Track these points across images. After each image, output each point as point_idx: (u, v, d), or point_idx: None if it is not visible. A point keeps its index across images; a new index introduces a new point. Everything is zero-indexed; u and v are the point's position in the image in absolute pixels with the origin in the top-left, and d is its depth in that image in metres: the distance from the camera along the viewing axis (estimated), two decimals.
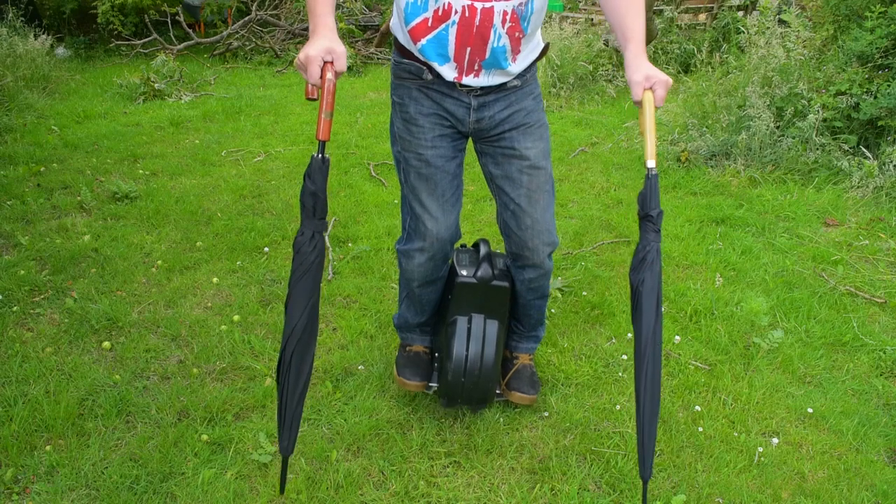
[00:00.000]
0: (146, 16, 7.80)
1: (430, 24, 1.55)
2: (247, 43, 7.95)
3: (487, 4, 1.49)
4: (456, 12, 1.51)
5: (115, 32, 7.90)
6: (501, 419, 2.04)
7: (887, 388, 2.22)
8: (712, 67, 5.10)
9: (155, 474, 1.81)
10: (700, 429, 2.01)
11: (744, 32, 4.67)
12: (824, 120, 3.92)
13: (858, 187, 3.65)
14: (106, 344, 2.37)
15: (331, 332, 2.48)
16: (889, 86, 3.77)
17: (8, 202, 3.57)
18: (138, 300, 2.67)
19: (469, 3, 1.49)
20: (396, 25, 1.67)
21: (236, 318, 2.54)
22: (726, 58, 4.98)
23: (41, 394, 2.10)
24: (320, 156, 1.42)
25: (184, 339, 2.42)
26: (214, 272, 2.89)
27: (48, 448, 1.89)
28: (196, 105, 5.79)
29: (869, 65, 4.03)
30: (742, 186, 3.85)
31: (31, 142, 4.65)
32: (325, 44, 1.40)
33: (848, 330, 2.50)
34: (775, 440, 1.98)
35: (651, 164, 1.42)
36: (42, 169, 4.08)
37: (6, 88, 5.61)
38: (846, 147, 3.89)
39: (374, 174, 4.08)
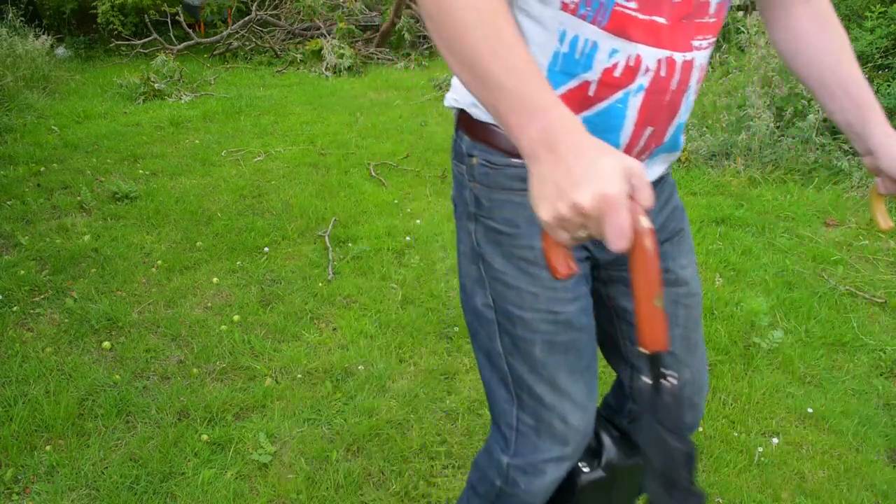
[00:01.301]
0: (146, 16, 7.80)
1: (592, 93, 0.90)
2: (247, 43, 7.94)
3: (688, 56, 0.90)
4: (647, 70, 0.88)
5: (115, 32, 7.90)
6: None
7: (887, 388, 2.22)
8: (712, 67, 5.10)
9: (155, 474, 1.81)
10: (700, 428, 2.01)
11: (744, 32, 4.67)
12: (824, 120, 3.92)
13: (858, 187, 3.65)
14: (106, 344, 2.37)
15: (331, 332, 2.48)
16: (889, 86, 3.77)
17: (8, 202, 3.57)
18: (138, 300, 2.67)
19: (667, 55, 0.88)
20: None
21: (236, 318, 2.54)
22: (726, 58, 4.98)
23: (41, 394, 2.10)
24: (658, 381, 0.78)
25: (184, 339, 2.42)
26: (214, 272, 2.89)
27: (48, 448, 1.89)
28: (196, 105, 5.79)
29: (869, 65, 4.03)
30: (742, 186, 3.85)
31: (31, 142, 4.65)
32: (617, 164, 0.65)
33: (848, 330, 2.50)
34: (775, 440, 1.98)
35: None
36: (42, 169, 4.08)
37: (6, 88, 5.61)
38: (846, 147, 3.89)
39: (374, 174, 4.08)
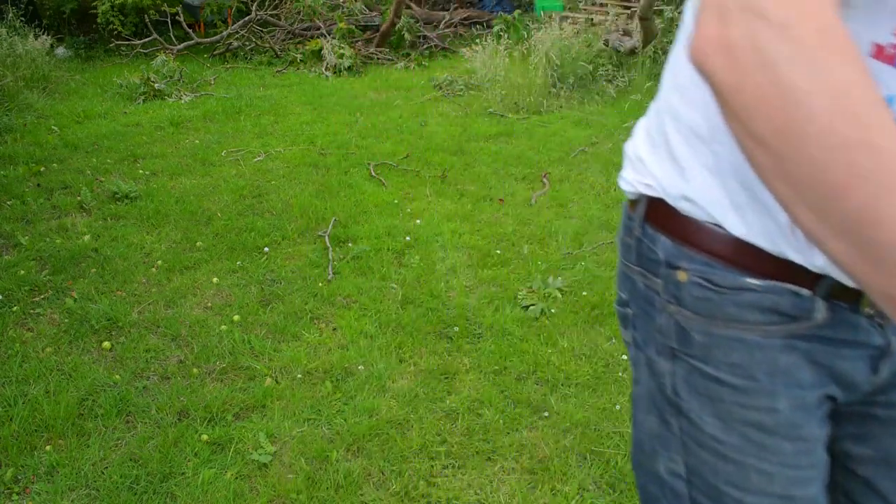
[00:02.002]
0: (146, 16, 7.80)
1: None
2: (247, 43, 7.94)
3: None
4: None
5: (115, 32, 7.90)
6: (501, 420, 2.04)
7: None
8: None
9: (155, 474, 1.81)
10: None
11: None
12: None
13: None
14: (106, 344, 2.37)
15: (331, 332, 2.48)
16: None
17: (8, 202, 3.56)
18: (138, 300, 2.67)
19: None
20: (713, 197, 0.69)
21: (236, 318, 2.54)
22: None
23: (41, 394, 2.10)
24: None
25: (184, 339, 2.42)
26: (214, 272, 2.89)
27: (48, 448, 1.89)
28: (196, 105, 5.78)
29: None
30: None
31: (31, 142, 4.65)
32: None
33: None
34: None
35: None
36: (42, 169, 4.08)
37: (6, 88, 5.61)
38: None
39: (374, 174, 4.08)
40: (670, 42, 6.22)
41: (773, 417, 0.71)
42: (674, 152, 0.72)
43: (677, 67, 0.72)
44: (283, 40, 8.04)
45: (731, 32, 0.48)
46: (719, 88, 0.50)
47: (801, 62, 0.46)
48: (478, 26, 8.85)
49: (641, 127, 0.81)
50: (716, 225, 0.69)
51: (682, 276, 0.72)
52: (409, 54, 7.76)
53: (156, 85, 6.06)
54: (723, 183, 0.68)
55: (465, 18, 8.99)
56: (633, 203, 0.79)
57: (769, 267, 0.67)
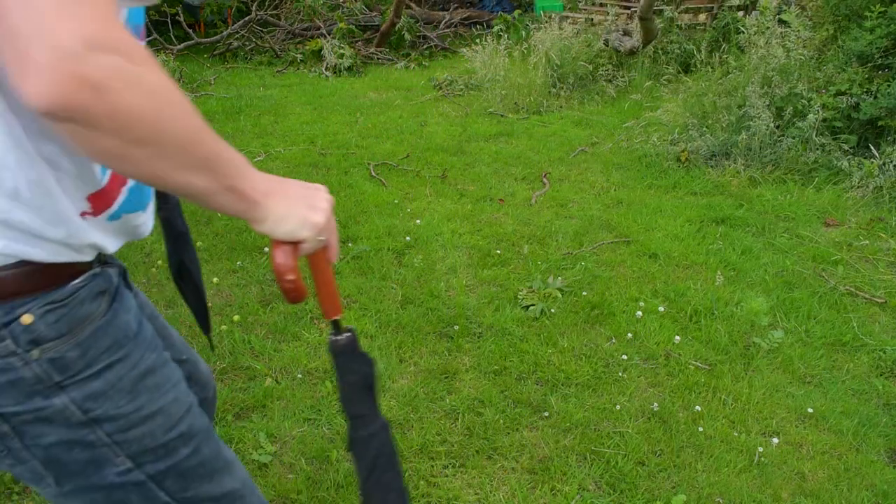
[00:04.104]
0: (146, 16, 7.80)
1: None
2: (247, 43, 7.94)
3: None
4: None
5: None
6: (501, 419, 2.04)
7: (887, 388, 2.22)
8: (712, 67, 5.10)
9: None
10: (700, 429, 2.01)
11: (744, 32, 4.67)
12: (824, 120, 3.92)
13: (858, 187, 3.65)
14: None
15: None
16: (889, 86, 3.77)
17: None
18: None
19: None
20: None
21: (236, 318, 2.54)
22: (726, 58, 4.98)
23: None
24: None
25: (184, 339, 2.42)
26: (214, 272, 2.89)
27: None
28: (196, 105, 5.77)
29: (869, 65, 4.03)
30: (742, 186, 3.85)
31: None
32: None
33: (848, 330, 2.50)
34: (775, 440, 1.98)
35: None
36: None
37: None
38: (846, 147, 3.89)
39: (374, 174, 4.08)
40: (670, 42, 6.23)
41: (150, 356, 0.87)
42: None
43: None
44: (283, 40, 8.04)
45: (86, 70, 0.57)
46: (93, 118, 0.60)
47: (150, 75, 0.64)
48: (478, 26, 8.85)
49: None
50: (20, 262, 0.75)
51: (26, 318, 0.75)
52: (409, 54, 7.76)
53: None
54: (7, 220, 0.73)
55: (465, 18, 8.99)
56: None
57: (74, 270, 0.80)
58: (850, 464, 1.90)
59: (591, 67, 6.09)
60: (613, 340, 2.45)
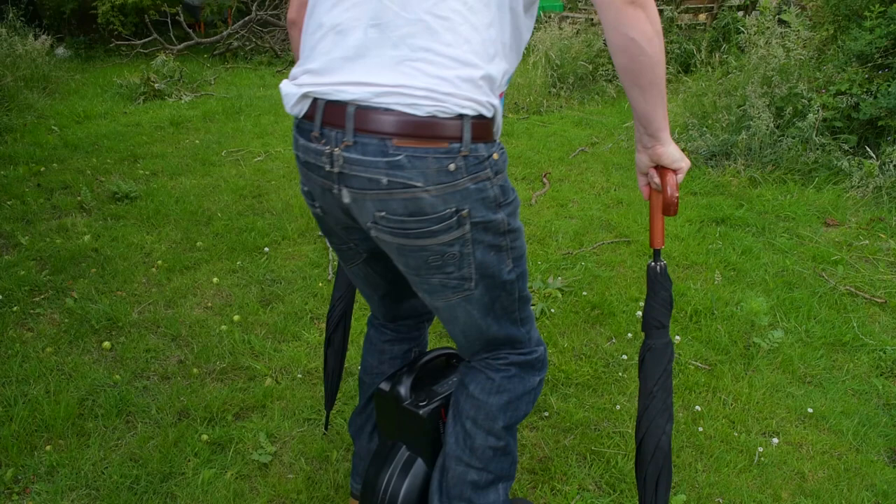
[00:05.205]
0: (146, 16, 7.80)
1: None
2: (247, 43, 7.95)
3: None
4: None
5: (115, 32, 7.90)
6: None
7: (887, 388, 2.22)
8: (712, 67, 5.10)
9: (155, 474, 1.81)
10: (700, 429, 2.01)
11: (744, 32, 4.67)
12: (824, 120, 3.92)
13: (858, 187, 3.65)
14: (106, 344, 2.37)
15: None
16: (889, 86, 3.77)
17: (8, 202, 3.57)
18: (138, 300, 2.67)
19: None
20: None
21: (236, 318, 2.54)
22: (726, 58, 4.98)
23: (41, 394, 2.10)
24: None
25: (184, 339, 2.42)
26: (214, 272, 2.89)
27: (48, 448, 1.89)
28: (196, 105, 5.79)
29: (869, 65, 4.03)
30: (742, 186, 3.85)
31: (31, 142, 4.65)
32: None
33: (848, 330, 2.50)
34: (775, 440, 1.98)
35: None
36: (42, 169, 4.08)
37: (6, 88, 5.61)
38: (846, 147, 3.89)
39: None
40: (670, 42, 6.23)
41: (516, 198, 1.21)
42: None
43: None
44: (283, 40, 8.04)
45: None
46: (643, 40, 1.04)
47: (660, 36, 1.07)
48: None
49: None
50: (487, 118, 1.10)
51: (496, 156, 1.13)
52: None
53: (156, 85, 6.06)
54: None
55: None
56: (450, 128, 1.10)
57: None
58: (850, 464, 1.90)
59: (591, 67, 6.09)
60: (613, 340, 2.45)
